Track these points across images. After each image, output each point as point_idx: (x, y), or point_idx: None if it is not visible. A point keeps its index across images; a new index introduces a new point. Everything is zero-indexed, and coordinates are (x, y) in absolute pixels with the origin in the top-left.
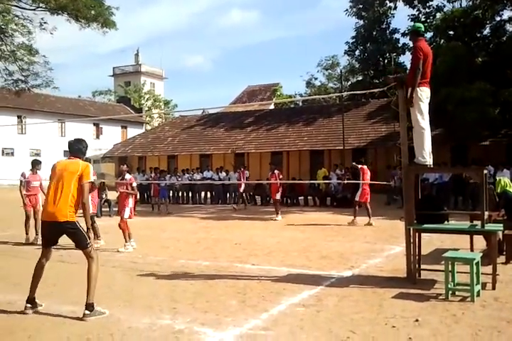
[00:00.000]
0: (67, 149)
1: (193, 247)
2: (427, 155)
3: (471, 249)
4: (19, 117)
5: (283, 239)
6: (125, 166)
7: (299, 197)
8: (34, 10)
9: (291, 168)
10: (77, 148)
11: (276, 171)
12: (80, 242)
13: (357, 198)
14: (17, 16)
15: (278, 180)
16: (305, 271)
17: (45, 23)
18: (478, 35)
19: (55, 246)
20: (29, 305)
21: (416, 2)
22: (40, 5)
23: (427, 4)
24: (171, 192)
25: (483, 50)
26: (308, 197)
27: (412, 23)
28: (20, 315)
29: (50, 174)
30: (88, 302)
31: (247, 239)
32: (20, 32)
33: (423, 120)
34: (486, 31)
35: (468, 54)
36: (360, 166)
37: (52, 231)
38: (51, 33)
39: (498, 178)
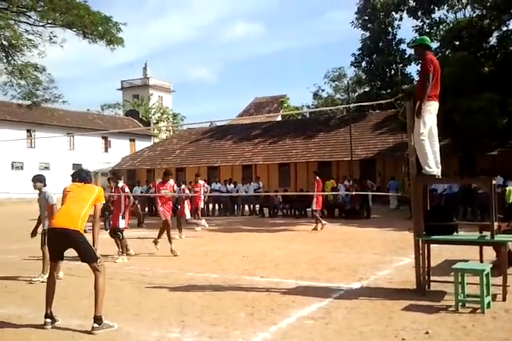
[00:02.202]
0: (76, 162)
1: (201, 259)
2: (433, 165)
3: (481, 260)
4: (28, 131)
5: (291, 251)
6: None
7: (307, 209)
8: (43, 26)
9: (299, 180)
10: (83, 177)
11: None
12: (87, 255)
13: (314, 207)
14: (27, 31)
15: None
16: (313, 283)
17: (54, 36)
18: (485, 45)
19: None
20: (48, 321)
21: (420, 13)
22: (49, 21)
23: (431, 15)
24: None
25: (490, 60)
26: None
27: (416, 34)
28: (28, 328)
29: (64, 193)
30: (96, 315)
31: (255, 252)
32: (28, 47)
33: (424, 131)
34: (493, 41)
35: (475, 64)
36: (317, 178)
37: (60, 240)
38: (61, 46)
39: (508, 188)
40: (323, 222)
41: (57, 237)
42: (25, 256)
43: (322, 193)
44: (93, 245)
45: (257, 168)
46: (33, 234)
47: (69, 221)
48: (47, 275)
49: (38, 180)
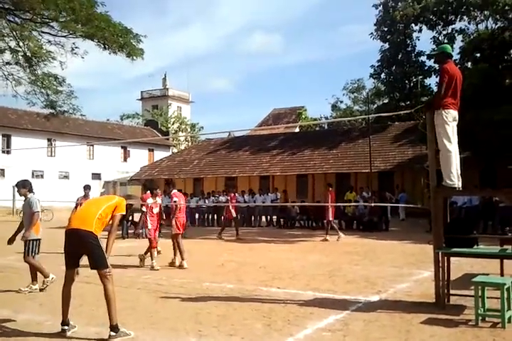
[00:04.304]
0: (95, 172)
1: (217, 270)
2: (455, 178)
3: (502, 274)
4: (49, 140)
5: (308, 263)
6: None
7: (324, 221)
8: (65, 37)
9: (317, 191)
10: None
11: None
12: (97, 260)
13: (331, 218)
14: (49, 42)
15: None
16: (331, 295)
17: (76, 47)
18: (506, 57)
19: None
20: (66, 328)
21: (440, 26)
22: (70, 32)
23: (449, 26)
24: (197, 214)
25: (511, 72)
26: (334, 220)
27: (434, 46)
28: (47, 335)
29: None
30: (112, 324)
31: (272, 262)
32: (49, 58)
33: (449, 143)
34: None
35: (496, 76)
36: (330, 189)
37: (72, 242)
38: (82, 58)
39: None
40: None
41: (70, 239)
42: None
43: (341, 204)
44: (105, 252)
45: (274, 179)
46: (11, 241)
47: (82, 222)
48: (36, 286)
49: (22, 185)
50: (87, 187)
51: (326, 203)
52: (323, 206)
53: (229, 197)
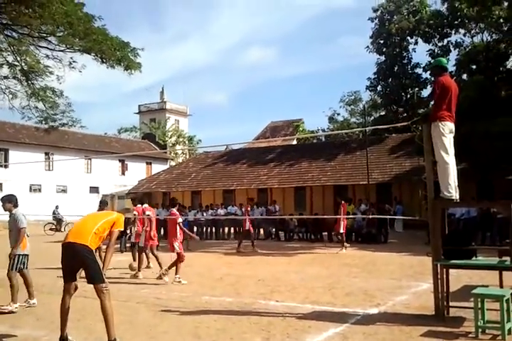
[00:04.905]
0: (92, 185)
1: (216, 283)
2: (452, 190)
3: (501, 286)
4: (46, 154)
5: (307, 275)
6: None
7: (323, 233)
8: (63, 51)
9: (315, 204)
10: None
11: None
12: (93, 274)
13: (342, 230)
14: (47, 56)
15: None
16: (330, 308)
17: (74, 62)
18: (502, 68)
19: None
20: None
21: (436, 39)
22: (67, 46)
23: (444, 39)
24: (196, 227)
25: (507, 84)
26: (332, 233)
27: (430, 58)
28: None
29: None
30: (110, 338)
31: (271, 275)
32: (46, 73)
33: (447, 155)
34: (510, 65)
35: (491, 88)
36: (342, 202)
37: (69, 256)
38: (80, 72)
39: None
40: (347, 244)
41: (67, 253)
42: (39, 278)
43: (344, 216)
44: (102, 268)
45: (272, 192)
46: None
47: (78, 236)
48: (34, 301)
49: (7, 200)
50: (103, 203)
51: (337, 216)
52: (324, 219)
53: (248, 209)
